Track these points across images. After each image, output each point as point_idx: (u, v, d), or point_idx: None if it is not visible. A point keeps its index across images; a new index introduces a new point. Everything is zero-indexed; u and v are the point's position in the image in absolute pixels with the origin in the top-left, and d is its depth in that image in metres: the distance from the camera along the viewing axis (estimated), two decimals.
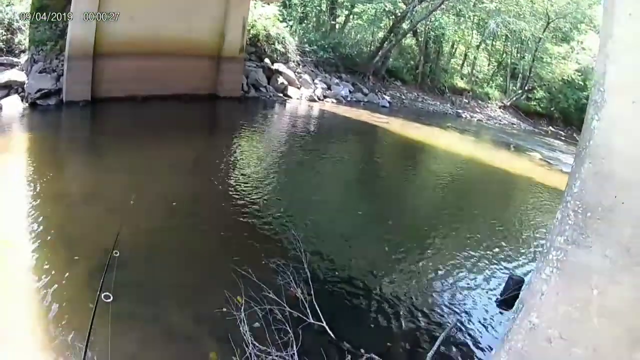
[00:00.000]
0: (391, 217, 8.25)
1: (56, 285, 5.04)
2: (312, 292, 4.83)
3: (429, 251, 6.99)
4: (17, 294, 4.95)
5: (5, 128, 11.13)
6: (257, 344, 4.01)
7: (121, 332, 4.29)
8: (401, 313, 5.37)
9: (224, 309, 4.46)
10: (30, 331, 4.47)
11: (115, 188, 7.81)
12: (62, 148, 10.69)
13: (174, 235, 6.47)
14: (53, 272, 5.22)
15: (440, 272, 6.44)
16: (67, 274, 5.20)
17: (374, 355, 4.43)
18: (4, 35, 14.97)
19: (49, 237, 5.98)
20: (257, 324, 4.36)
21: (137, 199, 6.76)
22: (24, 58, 14.72)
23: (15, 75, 13.85)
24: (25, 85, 13.46)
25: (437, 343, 4.66)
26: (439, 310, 5.60)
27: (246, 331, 4.08)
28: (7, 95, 13.46)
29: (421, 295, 5.84)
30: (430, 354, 4.47)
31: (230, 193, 8.29)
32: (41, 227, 6.23)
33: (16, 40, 15.10)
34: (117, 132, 11.64)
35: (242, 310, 4.29)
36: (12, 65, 14.31)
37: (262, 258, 5.65)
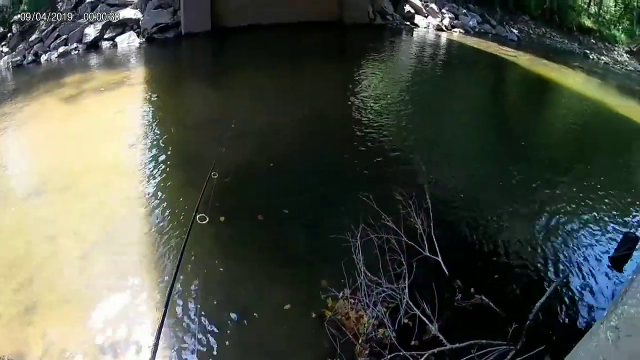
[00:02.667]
0: (517, 155, 8.10)
1: (161, 204, 5.29)
2: (431, 224, 4.71)
3: (550, 195, 6.82)
4: (125, 212, 5.36)
5: (124, 61, 11.91)
6: (369, 274, 4.02)
7: (223, 253, 4.39)
8: (515, 258, 5.34)
9: (341, 236, 4.45)
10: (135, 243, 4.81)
11: (235, 113, 8.07)
12: (180, 77, 11.28)
13: (295, 157, 6.75)
14: (160, 192, 5.48)
15: (559, 220, 6.30)
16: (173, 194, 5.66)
17: (484, 297, 4.36)
18: None
19: (161, 159, 6.37)
20: (372, 253, 4.32)
21: (259, 123, 7.13)
22: None
23: (130, 13, 14.28)
24: (140, 22, 13.95)
25: (545, 295, 4.46)
26: (552, 260, 5.47)
27: (360, 260, 4.09)
28: (122, 32, 13.94)
29: (537, 242, 5.73)
30: (537, 305, 4.29)
31: (356, 119, 8.44)
32: (154, 151, 6.78)
33: None
34: (238, 60, 11.91)
35: (358, 237, 4.27)
36: (125, 5, 14.72)
37: (385, 185, 5.76)
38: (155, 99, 8.99)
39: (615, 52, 22.08)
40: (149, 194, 5.88)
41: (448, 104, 10.35)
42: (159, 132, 7.47)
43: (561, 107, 12.55)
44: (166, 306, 3.52)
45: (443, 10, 18.08)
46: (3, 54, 15.13)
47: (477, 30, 18.15)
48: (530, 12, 21.71)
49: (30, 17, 15.53)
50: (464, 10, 18.85)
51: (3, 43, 15.49)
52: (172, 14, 14.01)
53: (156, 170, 6.38)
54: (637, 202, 7.27)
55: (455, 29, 17.53)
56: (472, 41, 16.53)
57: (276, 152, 6.83)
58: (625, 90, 15.71)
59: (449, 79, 12.24)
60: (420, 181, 5.43)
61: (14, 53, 14.98)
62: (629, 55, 22.07)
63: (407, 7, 17.10)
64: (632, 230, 6.06)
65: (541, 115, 11.43)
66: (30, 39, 14.97)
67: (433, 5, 17.89)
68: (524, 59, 15.62)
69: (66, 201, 5.79)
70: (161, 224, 5.33)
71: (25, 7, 15.83)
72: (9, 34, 15.61)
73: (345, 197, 5.59)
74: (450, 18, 17.86)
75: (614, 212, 6.73)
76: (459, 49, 15.83)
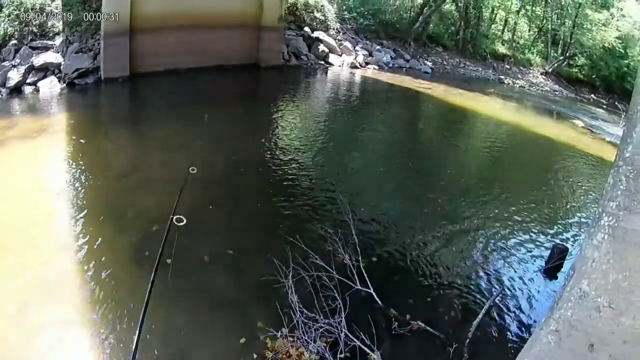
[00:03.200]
0: (437, 183, 8.33)
1: (94, 255, 5.19)
2: (359, 258, 4.85)
3: (474, 218, 7.05)
4: (57, 265, 5.08)
5: (46, 108, 11.53)
6: (305, 311, 4.09)
7: (169, 300, 4.41)
8: (447, 280, 5.44)
9: (272, 277, 4.50)
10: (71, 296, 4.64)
11: (157, 160, 8.00)
12: (104, 123, 10.94)
13: (218, 204, 6.54)
14: (93, 243, 5.38)
15: (485, 240, 6.54)
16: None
17: (420, 323, 4.49)
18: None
19: (89, 208, 6.17)
20: (305, 291, 4.39)
21: (186, 169, 6.76)
22: (58, 40, 14.98)
23: (51, 57, 14.03)
24: (61, 67, 13.70)
25: (482, 312, 4.70)
26: (484, 278, 5.66)
27: (294, 299, 4.16)
28: (44, 77, 13.72)
29: (467, 262, 5.94)
30: (475, 323, 4.51)
31: (275, 160, 8.36)
32: (81, 200, 6.45)
33: (49, 24, 15.38)
34: (158, 105, 11.81)
35: (289, 277, 4.34)
36: (46, 48, 14.55)
37: (310, 225, 5.77)
38: (78, 147, 8.68)
39: (531, 75, 23.42)
40: (81, 245, 5.68)
41: (365, 139, 10.55)
42: (84, 181, 7.14)
43: (478, 132, 13.03)
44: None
45: (357, 48, 18.44)
46: None
47: (391, 65, 18.63)
48: (444, 43, 22.52)
49: None
50: (378, 47, 19.34)
51: None
52: (92, 58, 13.77)
53: (85, 219, 6.22)
54: (560, 214, 7.79)
55: (370, 66, 17.91)
56: (386, 76, 16.95)
57: (194, 200, 6.51)
58: (540, 110, 16.64)
59: (365, 114, 12.44)
60: (344, 217, 5.49)
61: None
62: (544, 77, 23.50)
63: (322, 47, 17.28)
64: (559, 242, 6.42)
65: (459, 143, 11.78)
66: None
67: (347, 44, 18.22)
68: (439, 90, 16.14)
69: None
70: (95, 275, 5.13)
71: None
72: None
73: (271, 241, 5.54)
74: (364, 55, 18.22)
75: (540, 226, 7.13)
76: (373, 85, 16.16)
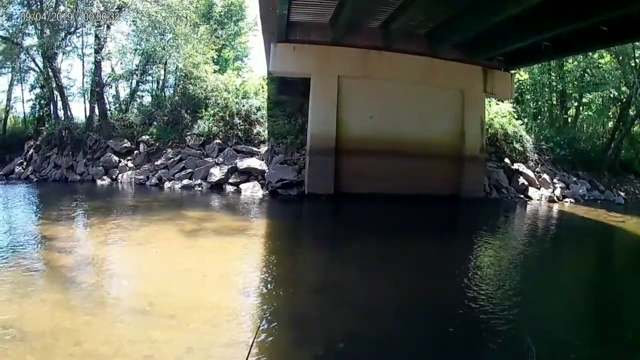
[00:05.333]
0: (632, 334, 6.86)
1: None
2: None
3: None
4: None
5: (247, 209, 12.07)
6: None
7: None
8: None
9: None
10: None
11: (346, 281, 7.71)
12: (300, 237, 11.02)
13: (395, 333, 6.06)
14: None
15: None
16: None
17: None
18: (242, 125, 16.34)
19: (271, 313, 6.04)
20: None
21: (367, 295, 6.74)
22: (263, 148, 15.94)
23: (255, 163, 15.34)
24: (265, 174, 14.68)
25: None
26: None
27: None
28: (247, 180, 14.70)
29: None
30: None
31: (464, 295, 7.59)
32: (265, 304, 6.37)
33: (254, 131, 16.40)
34: (354, 228, 11.57)
35: None
36: (251, 154, 15.70)
37: None
38: (273, 254, 8.79)
39: None
40: (255, 344, 5.31)
41: (556, 280, 9.44)
42: (271, 287, 7.05)
43: None
44: None
45: (555, 180, 18.00)
46: (128, 168, 15.86)
47: (586, 197, 17.90)
48: (636, 169, 21.40)
49: (157, 141, 16.34)
50: (574, 179, 18.72)
51: (129, 158, 16.28)
52: (297, 171, 14.50)
53: (266, 324, 5.84)
54: None
55: (567, 199, 17.32)
56: (581, 210, 16.11)
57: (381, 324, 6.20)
58: None
59: (558, 253, 11.51)
60: None
61: (138, 170, 15.75)
62: None
63: (521, 179, 17.06)
64: None
65: None
66: (156, 163, 15.83)
67: (545, 176, 17.83)
68: (631, 223, 14.92)
69: (171, 329, 5.47)
70: None
71: (155, 131, 16.66)
72: (135, 151, 16.46)
73: None
74: (561, 188, 17.73)
75: None
76: (569, 220, 15.38)
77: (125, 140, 16.80)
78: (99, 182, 15.65)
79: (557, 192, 17.43)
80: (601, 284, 9.96)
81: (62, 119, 18.24)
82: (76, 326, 5.32)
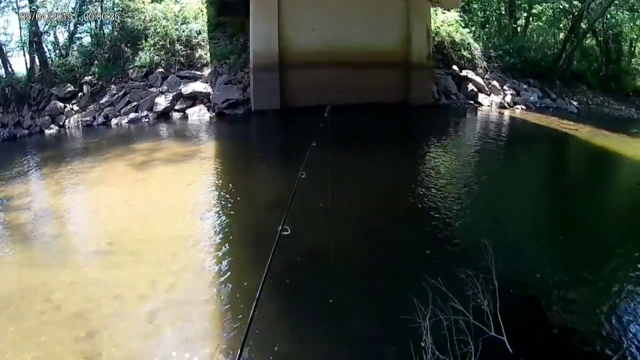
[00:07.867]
0: (583, 234, 7.46)
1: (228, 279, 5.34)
2: (497, 305, 4.53)
3: (619, 273, 6.23)
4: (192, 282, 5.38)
5: (195, 134, 12.15)
6: (436, 352, 4.01)
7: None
8: (583, 336, 4.99)
9: (409, 316, 4.31)
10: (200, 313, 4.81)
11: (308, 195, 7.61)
12: (250, 155, 11.20)
13: (362, 241, 6.48)
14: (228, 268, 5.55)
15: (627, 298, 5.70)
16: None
17: None
18: (184, 51, 15.91)
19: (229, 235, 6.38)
20: (440, 334, 4.21)
21: (330, 202, 6.64)
22: (206, 71, 15.54)
23: (200, 86, 15.05)
24: (210, 96, 14.33)
25: None
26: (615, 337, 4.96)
27: (428, 341, 4.06)
28: (193, 105, 14.46)
29: (605, 319, 5.20)
30: None
31: (421, 202, 8.05)
32: (223, 226, 6.68)
33: (196, 55, 16.00)
34: (305, 140, 11.51)
35: (427, 319, 4.19)
36: (195, 78, 15.34)
37: (452, 267, 5.35)
38: (225, 175, 8.92)
39: None
40: (217, 268, 5.60)
41: (511, 183, 9.90)
42: (228, 208, 7.21)
43: (625, 180, 11.57)
44: None
45: (505, 87, 17.92)
46: (73, 112, 15.39)
47: (538, 105, 17.88)
48: (588, 81, 21.57)
49: (100, 80, 15.81)
50: (525, 86, 18.70)
51: (74, 102, 15.78)
52: (242, 90, 14.33)
53: (224, 246, 6.12)
54: None
55: (518, 106, 17.28)
56: (533, 117, 16.24)
57: (344, 232, 6.57)
58: None
59: (512, 157, 11.92)
60: (487, 261, 5.05)
61: (84, 112, 15.31)
62: None
63: (470, 86, 16.98)
64: None
65: (605, 188, 10.44)
66: (101, 101, 15.40)
67: (495, 83, 17.75)
68: (584, 131, 15.11)
69: (133, 265, 5.68)
70: (227, 298, 5.08)
71: (97, 70, 16.12)
72: (79, 94, 15.94)
73: (413, 280, 5.24)
74: (512, 95, 17.68)
75: None
76: (521, 126, 15.55)
77: (68, 85, 16.03)
78: (47, 131, 15.03)
79: (508, 98, 17.37)
80: (556, 189, 10.27)
81: (4, 76, 17.39)
82: (43, 282, 5.41)
